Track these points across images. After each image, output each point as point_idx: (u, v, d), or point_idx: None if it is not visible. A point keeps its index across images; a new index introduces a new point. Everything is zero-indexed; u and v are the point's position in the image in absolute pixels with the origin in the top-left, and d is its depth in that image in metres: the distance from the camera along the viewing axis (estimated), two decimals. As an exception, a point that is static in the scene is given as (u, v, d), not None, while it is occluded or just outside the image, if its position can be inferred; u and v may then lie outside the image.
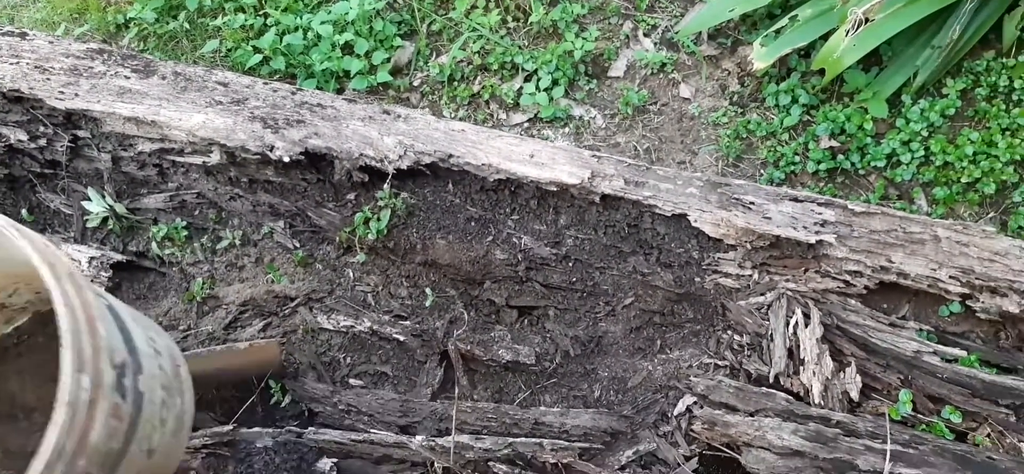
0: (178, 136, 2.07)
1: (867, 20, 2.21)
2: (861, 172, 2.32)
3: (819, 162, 2.29)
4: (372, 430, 1.92)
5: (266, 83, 2.20)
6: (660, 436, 1.91)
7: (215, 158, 2.09)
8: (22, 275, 1.57)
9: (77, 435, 0.99)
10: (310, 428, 1.90)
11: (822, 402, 1.80)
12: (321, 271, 2.16)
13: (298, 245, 2.17)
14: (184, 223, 2.21)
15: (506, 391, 2.04)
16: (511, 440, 1.84)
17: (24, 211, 2.24)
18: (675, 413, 1.90)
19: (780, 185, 2.29)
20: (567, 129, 2.46)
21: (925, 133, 2.31)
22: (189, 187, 2.23)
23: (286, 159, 1.99)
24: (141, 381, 1.18)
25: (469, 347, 2.00)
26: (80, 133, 2.19)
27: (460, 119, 2.42)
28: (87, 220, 2.20)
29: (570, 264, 2.07)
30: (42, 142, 2.20)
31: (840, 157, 2.31)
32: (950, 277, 1.84)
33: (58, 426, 0.95)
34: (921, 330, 1.92)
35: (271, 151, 2.00)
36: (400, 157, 1.99)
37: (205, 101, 2.11)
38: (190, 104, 2.10)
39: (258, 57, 2.52)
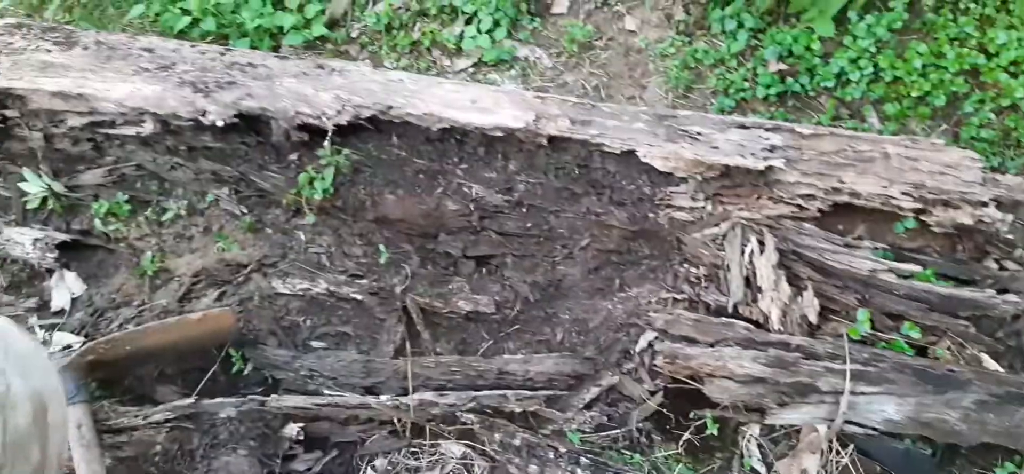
0: (107, 108, 1.98)
1: (809, -64, 2.17)
2: (811, 94, 2.30)
3: (768, 87, 2.26)
4: (336, 392, 1.89)
5: (193, 46, 2.11)
6: (624, 373, 1.90)
7: (148, 128, 2.01)
8: None
9: None
10: (273, 395, 1.87)
11: (781, 328, 1.81)
12: (272, 235, 2.11)
13: (245, 210, 2.11)
14: (126, 197, 2.14)
15: (469, 342, 2.02)
16: (475, 394, 1.83)
17: (-42, 197, 2.15)
18: (637, 350, 1.90)
19: (731, 113, 2.26)
20: (513, 72, 2.40)
21: (873, 49, 2.29)
22: (127, 159, 2.15)
23: (220, 123, 1.92)
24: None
25: (428, 300, 1.97)
26: (8, 113, 2.09)
27: (402, 69, 2.35)
28: (26, 201, 2.13)
29: (524, 210, 2.03)
30: (-31, 126, 2.10)
31: (789, 80, 2.28)
32: (902, 193, 1.84)
33: None
34: (877, 249, 1.91)
35: (203, 116, 1.93)
36: (338, 112, 1.92)
37: (131, 69, 2.02)
38: (115, 73, 2.01)
39: (187, 19, 2.41)
